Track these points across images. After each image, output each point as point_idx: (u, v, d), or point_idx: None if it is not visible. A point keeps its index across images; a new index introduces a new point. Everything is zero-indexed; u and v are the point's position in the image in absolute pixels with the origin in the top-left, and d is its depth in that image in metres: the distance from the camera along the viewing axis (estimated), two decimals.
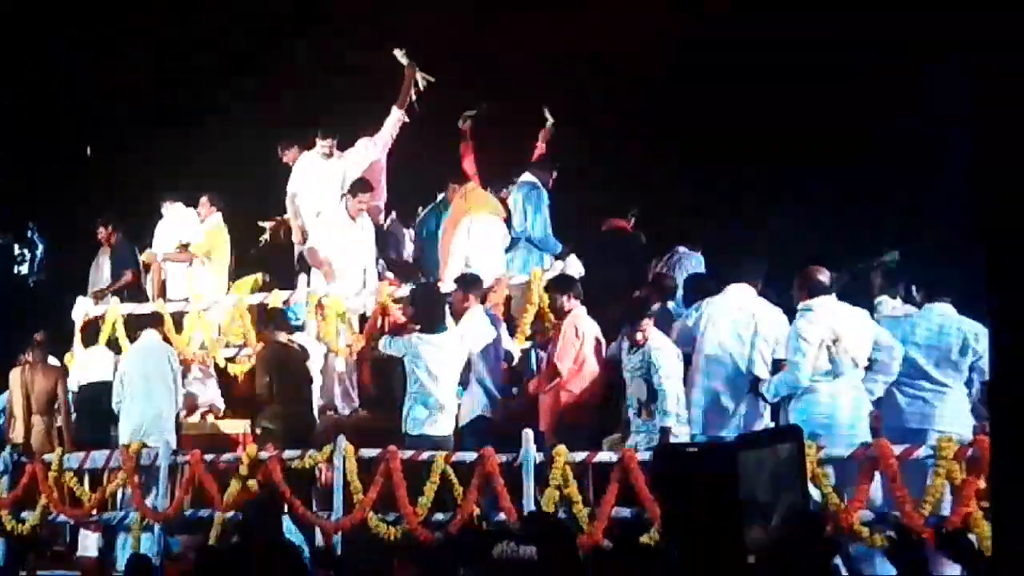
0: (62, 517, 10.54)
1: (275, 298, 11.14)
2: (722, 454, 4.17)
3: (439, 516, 9.12)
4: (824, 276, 8.82)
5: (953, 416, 8.64)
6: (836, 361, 8.52)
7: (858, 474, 8.27)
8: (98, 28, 16.22)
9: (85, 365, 11.24)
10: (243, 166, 13.84)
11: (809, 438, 8.29)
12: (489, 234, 11.02)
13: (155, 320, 11.28)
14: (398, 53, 12.03)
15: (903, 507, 7.99)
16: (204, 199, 12.51)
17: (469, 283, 10.07)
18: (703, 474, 4.07)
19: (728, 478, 3.98)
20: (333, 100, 14.25)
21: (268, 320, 10.84)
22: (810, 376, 8.52)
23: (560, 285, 9.87)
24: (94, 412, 10.96)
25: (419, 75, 11.98)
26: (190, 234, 12.31)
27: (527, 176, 11.34)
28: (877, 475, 8.24)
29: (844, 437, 8.47)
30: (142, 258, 12.62)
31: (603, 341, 9.59)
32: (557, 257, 10.98)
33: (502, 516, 8.86)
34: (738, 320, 9.06)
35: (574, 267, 10.34)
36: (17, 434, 11.11)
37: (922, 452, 8.21)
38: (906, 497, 8.00)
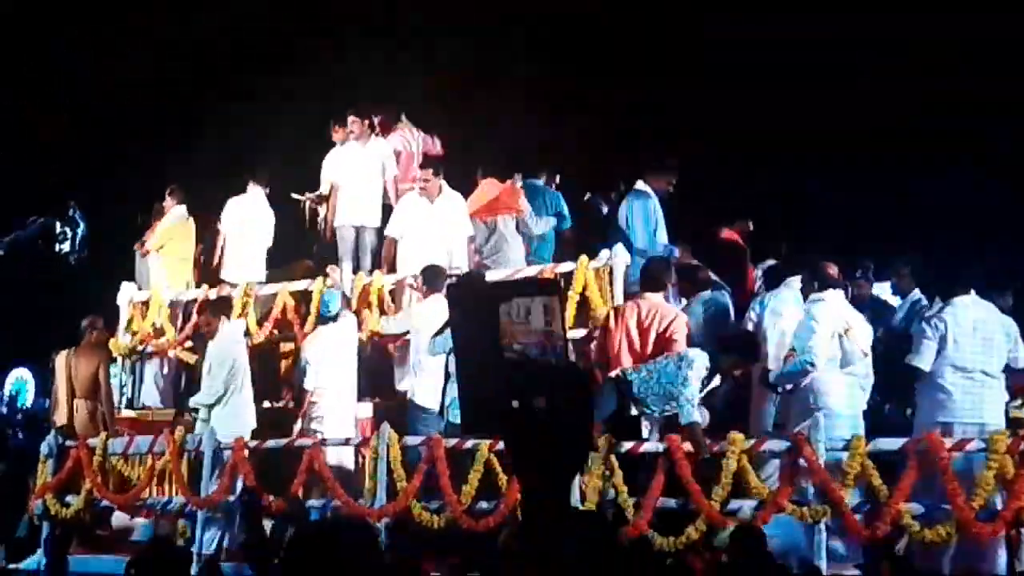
0: (106, 502, 10.39)
1: (318, 284, 11.01)
2: (481, 302, 4.26)
3: (483, 504, 8.93)
4: (834, 271, 8.99)
5: (995, 407, 8.61)
6: (847, 350, 8.60)
7: (905, 467, 8.08)
8: (98, 28, 16.23)
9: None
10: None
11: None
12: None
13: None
14: None
15: (955, 501, 7.83)
16: (168, 191, 12.35)
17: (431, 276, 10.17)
18: (466, 320, 4.21)
19: (487, 324, 4.08)
20: (337, 98, 14.30)
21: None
22: (823, 362, 8.54)
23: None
24: None
25: None
26: (263, 215, 12.22)
27: (639, 184, 10.99)
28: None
29: (847, 427, 8.47)
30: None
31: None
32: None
33: None
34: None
35: (622, 257, 10.14)
36: (60, 417, 11.02)
37: (973, 446, 8.05)
38: (958, 490, 7.83)
